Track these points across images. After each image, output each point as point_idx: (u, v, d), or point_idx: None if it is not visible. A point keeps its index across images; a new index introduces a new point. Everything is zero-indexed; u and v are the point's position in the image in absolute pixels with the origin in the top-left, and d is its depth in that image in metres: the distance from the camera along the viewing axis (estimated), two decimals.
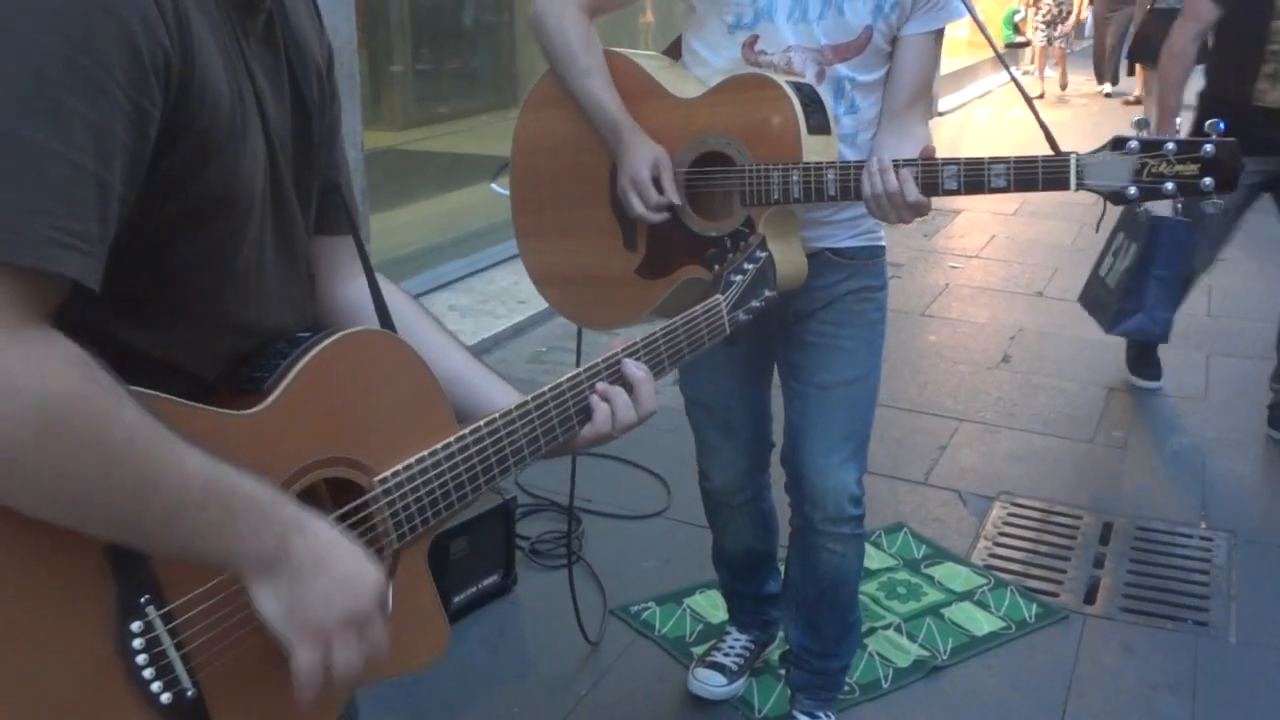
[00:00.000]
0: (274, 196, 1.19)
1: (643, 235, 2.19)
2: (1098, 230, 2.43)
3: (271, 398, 1.12)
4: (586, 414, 1.36)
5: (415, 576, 1.25)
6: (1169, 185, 1.80)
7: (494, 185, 2.53)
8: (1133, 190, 1.83)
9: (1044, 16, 12.99)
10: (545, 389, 1.33)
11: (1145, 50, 9.83)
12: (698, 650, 2.83)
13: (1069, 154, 1.88)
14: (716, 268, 1.54)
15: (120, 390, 0.94)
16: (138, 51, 0.93)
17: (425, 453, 1.22)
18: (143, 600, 1.01)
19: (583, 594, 3.03)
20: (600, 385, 1.37)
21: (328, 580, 1.05)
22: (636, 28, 7.33)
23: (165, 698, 1.03)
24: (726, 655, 2.73)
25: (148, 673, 1.02)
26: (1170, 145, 1.79)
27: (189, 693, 1.05)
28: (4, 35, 0.89)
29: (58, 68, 0.89)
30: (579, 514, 3.45)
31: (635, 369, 1.40)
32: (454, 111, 6.69)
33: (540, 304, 2.38)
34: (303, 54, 1.24)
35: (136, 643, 1.01)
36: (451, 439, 1.24)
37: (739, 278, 1.55)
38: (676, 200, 2.09)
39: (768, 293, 1.59)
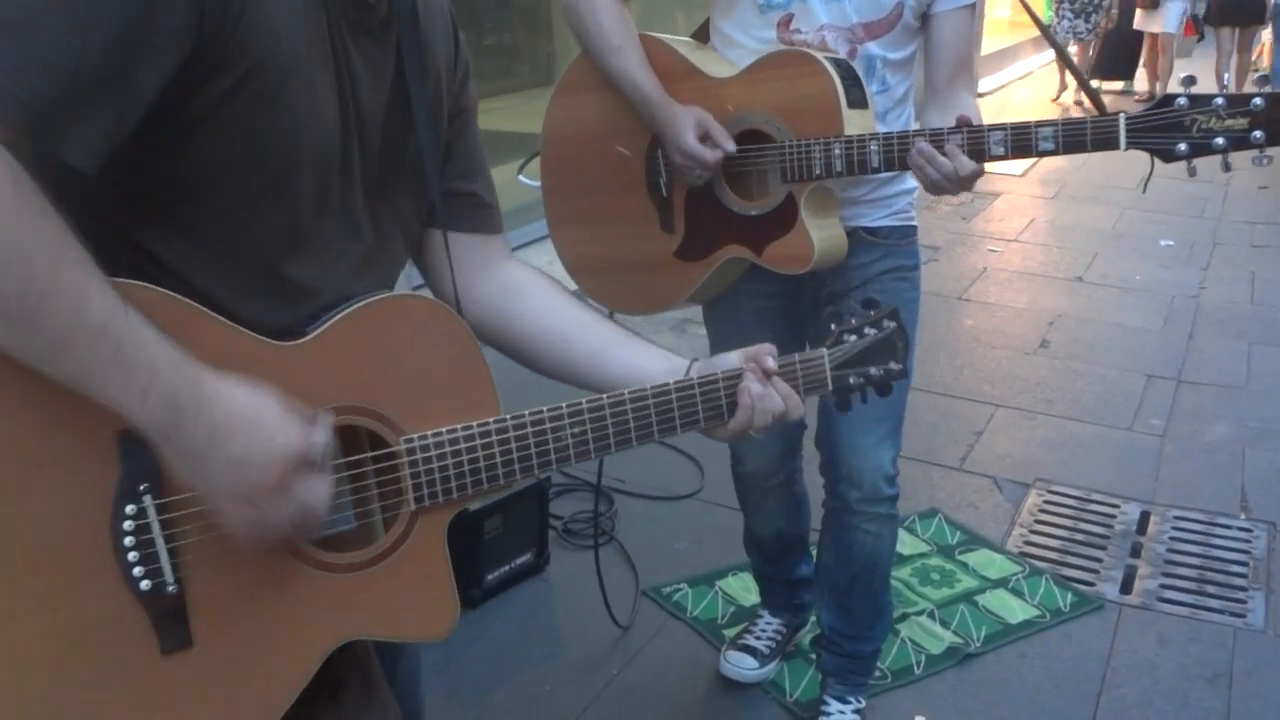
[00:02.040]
0: (342, 171, 1.23)
1: (680, 217, 2.18)
2: (1144, 190, 2.39)
3: (306, 338, 1.17)
4: (715, 414, 1.37)
5: (429, 545, 1.26)
6: (1219, 140, 1.78)
7: (521, 177, 2.52)
8: (1182, 147, 1.81)
9: (1073, 5, 11.16)
10: (605, 398, 1.32)
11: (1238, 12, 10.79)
12: (729, 633, 2.83)
13: (1118, 113, 1.85)
14: (834, 326, 1.50)
15: (50, 210, 0.97)
16: None
17: (459, 426, 1.23)
18: (142, 488, 1.06)
19: (615, 574, 3.04)
20: (755, 388, 1.37)
21: (226, 452, 1.04)
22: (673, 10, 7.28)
23: (145, 584, 1.07)
24: (758, 638, 2.73)
25: (132, 555, 1.07)
26: (1219, 100, 1.78)
27: (169, 587, 1.08)
28: None
29: None
30: (612, 494, 3.46)
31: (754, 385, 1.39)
32: (492, 89, 6.68)
33: (572, 284, 2.37)
34: (422, 61, 1.31)
35: (127, 524, 1.06)
36: (489, 420, 1.25)
37: (853, 338, 1.50)
38: (731, 147, 2.07)
39: (892, 365, 1.52)
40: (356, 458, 1.22)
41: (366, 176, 1.28)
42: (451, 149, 1.42)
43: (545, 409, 1.28)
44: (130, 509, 1.06)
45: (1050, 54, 13.21)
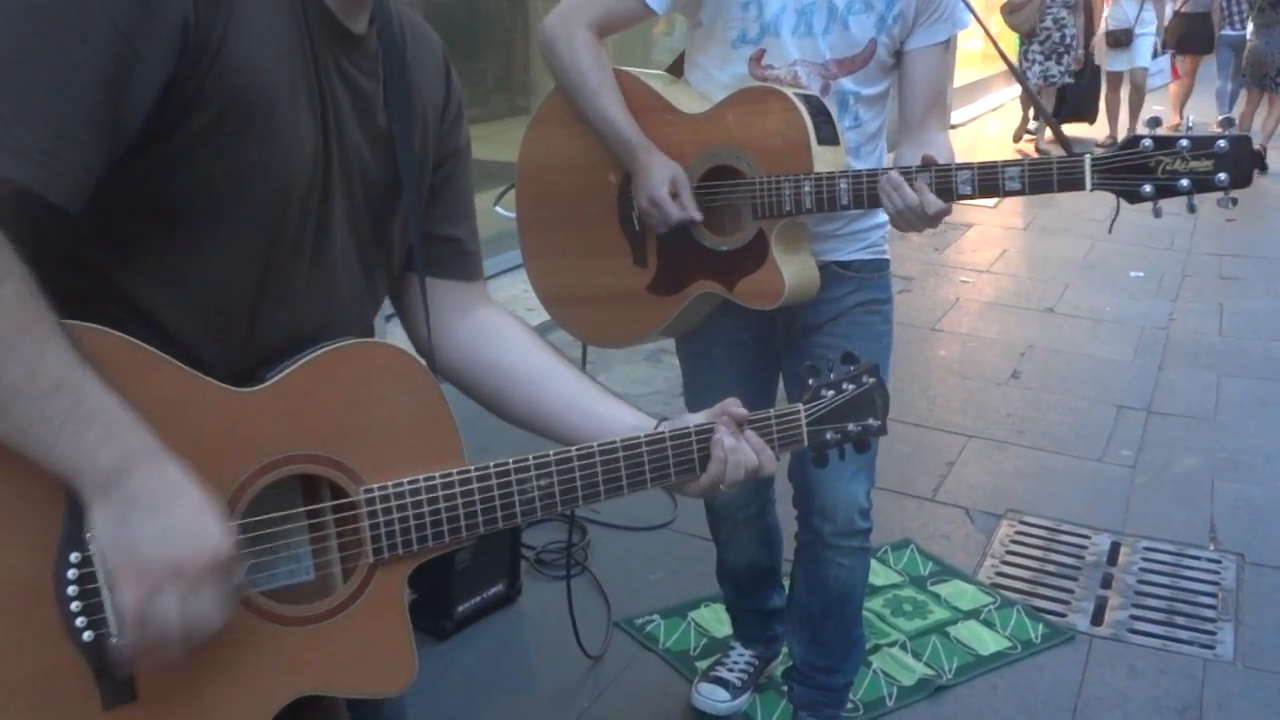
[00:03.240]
0: (320, 209, 1.21)
1: (653, 252, 2.19)
2: (1110, 231, 2.42)
3: (266, 383, 1.14)
4: (615, 484, 1.33)
5: (387, 599, 1.23)
6: (1184, 182, 1.80)
7: (498, 208, 2.52)
8: (1147, 188, 1.84)
9: (1043, 47, 10.11)
10: (574, 450, 1.30)
11: (1193, 41, 10.74)
12: (702, 665, 2.82)
13: (1083, 154, 1.88)
14: (811, 381, 1.46)
15: (11, 266, 0.95)
16: (147, 4, 1.00)
17: (421, 477, 1.21)
18: (88, 535, 1.02)
19: (588, 605, 3.03)
20: (727, 440, 1.35)
21: (163, 521, 1.01)
22: (650, 40, 7.33)
23: (86, 635, 1.04)
24: (730, 670, 2.72)
25: (75, 605, 1.03)
26: (1184, 142, 1.80)
27: (113, 639, 1.04)
28: None
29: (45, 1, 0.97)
30: (585, 524, 3.45)
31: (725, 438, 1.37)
32: (467, 118, 6.70)
33: (546, 314, 2.38)
34: (407, 97, 1.30)
35: (70, 573, 1.03)
36: (453, 471, 1.23)
37: (830, 393, 1.46)
38: (696, 216, 2.09)
39: (871, 421, 1.48)
40: (315, 506, 1.19)
41: (350, 215, 1.26)
42: (439, 192, 1.41)
43: (511, 460, 1.25)
44: (75, 556, 1.02)
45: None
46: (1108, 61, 10.41)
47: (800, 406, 1.45)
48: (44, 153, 0.96)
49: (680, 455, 1.35)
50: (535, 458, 1.27)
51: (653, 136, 2.12)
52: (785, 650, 2.74)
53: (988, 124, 12.26)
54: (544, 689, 2.79)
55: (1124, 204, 1.89)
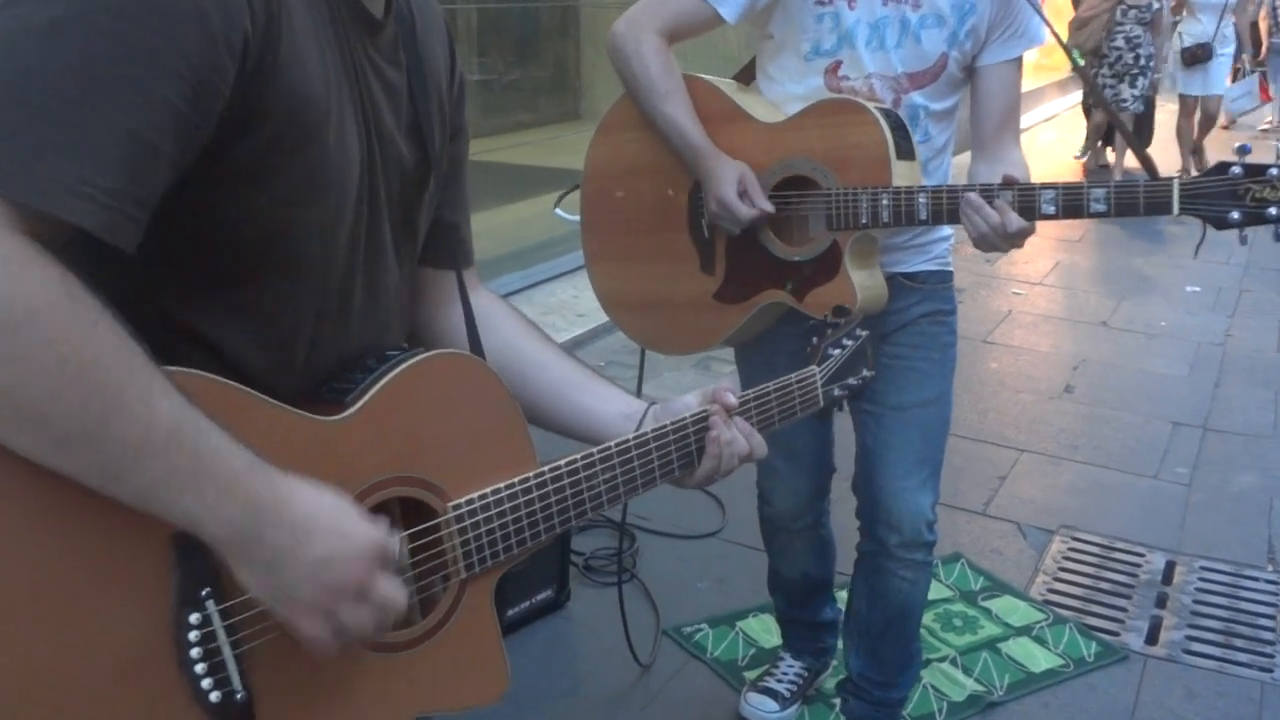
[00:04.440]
0: (370, 213, 1.20)
1: (721, 259, 2.19)
2: (1196, 255, 2.39)
3: (352, 409, 1.12)
4: (686, 461, 1.34)
5: (479, 612, 1.24)
6: (1273, 210, 1.78)
7: (558, 210, 2.53)
8: (1235, 215, 1.81)
9: (1112, 69, 8.81)
10: (630, 438, 1.30)
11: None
12: (750, 675, 2.81)
13: (1171, 178, 1.85)
14: (815, 339, 1.50)
15: (101, 312, 0.91)
16: (210, 27, 0.95)
17: (503, 485, 1.20)
18: (203, 593, 1.00)
19: (636, 613, 3.03)
20: (724, 434, 1.35)
21: (309, 557, 1.00)
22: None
23: (214, 696, 1.02)
24: (780, 681, 2.71)
25: (200, 667, 1.01)
26: (1274, 170, 1.77)
27: (239, 695, 1.03)
28: None
29: (121, 32, 0.91)
30: (634, 531, 3.45)
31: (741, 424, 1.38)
32: (518, 124, 6.74)
33: (600, 318, 2.39)
34: (425, 79, 1.26)
35: (192, 635, 1.00)
36: (530, 475, 1.23)
37: (836, 352, 1.50)
38: (768, 207, 2.08)
39: (865, 373, 1.54)
40: (412, 530, 1.18)
41: (393, 212, 1.25)
42: (445, 175, 1.37)
43: (578, 456, 1.26)
44: (194, 617, 1.00)
45: (1076, 96, 13.21)
46: (1181, 82, 9.29)
47: (814, 369, 1.47)
48: (109, 194, 0.91)
49: (684, 447, 1.35)
50: (599, 451, 1.27)
51: (727, 143, 2.11)
52: (836, 662, 2.72)
53: (1041, 134, 12.15)
54: (592, 695, 2.79)
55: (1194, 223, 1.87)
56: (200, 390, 1.00)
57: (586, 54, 6.84)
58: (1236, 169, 1.80)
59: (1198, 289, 6.53)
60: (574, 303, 5.31)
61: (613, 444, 1.29)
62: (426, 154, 1.27)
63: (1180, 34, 9.22)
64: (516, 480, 1.22)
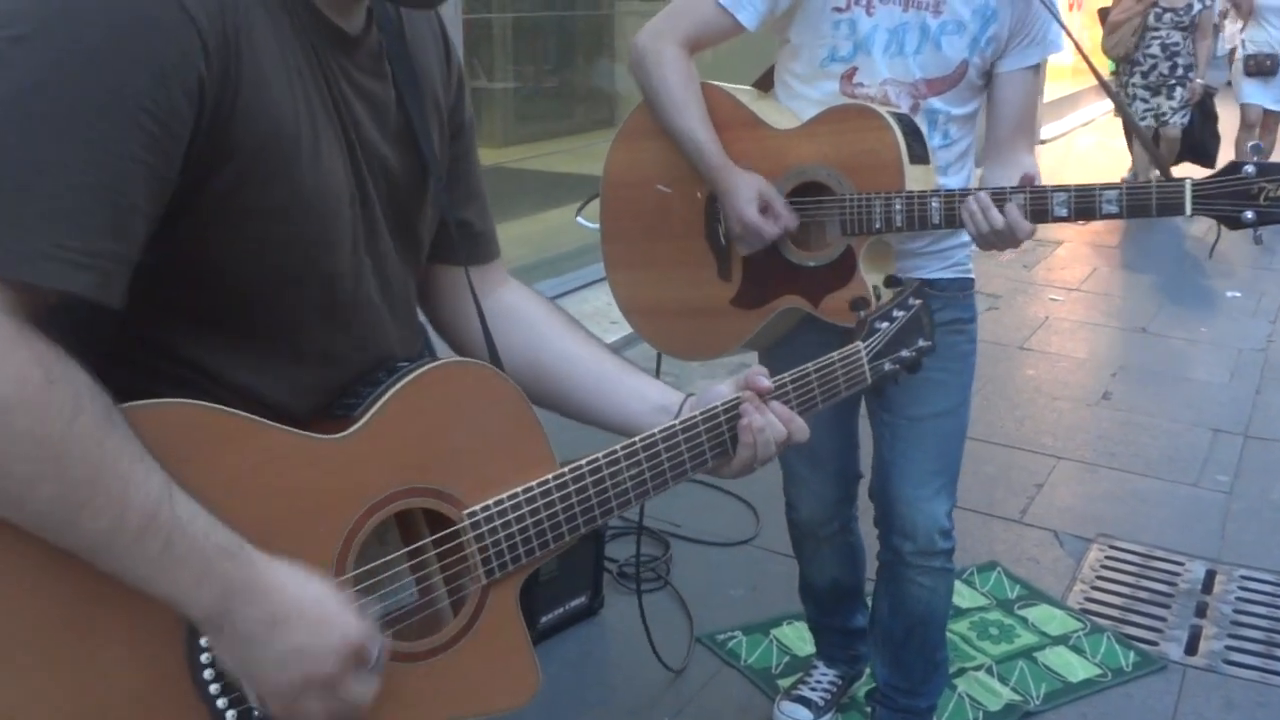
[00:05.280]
0: (366, 227, 1.19)
1: (738, 266, 2.19)
2: (1211, 256, 2.38)
3: (357, 425, 1.12)
4: (720, 451, 1.31)
5: (505, 615, 1.23)
6: None
7: (580, 219, 2.54)
8: (1249, 215, 1.81)
9: (1146, 79, 8.07)
10: (657, 431, 1.28)
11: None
12: (784, 683, 2.80)
13: (1183, 179, 1.84)
14: (861, 313, 1.45)
15: (79, 395, 0.91)
16: (164, 76, 0.94)
17: (519, 489, 1.20)
18: (208, 657, 1.02)
19: (669, 619, 3.03)
20: (756, 420, 1.32)
21: (280, 647, 1.00)
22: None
23: (230, 715, 1.04)
24: (813, 689, 2.70)
25: (214, 687, 1.03)
26: None
27: (256, 712, 1.05)
28: (24, 53, 0.90)
29: (74, 90, 0.90)
30: (667, 538, 3.45)
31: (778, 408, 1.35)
32: (553, 131, 6.77)
33: (627, 326, 2.39)
34: (418, 89, 1.25)
35: (204, 657, 1.02)
36: (549, 477, 1.22)
37: (885, 324, 1.44)
38: (793, 221, 2.09)
39: (922, 343, 1.47)
40: (421, 543, 1.18)
41: (390, 221, 1.23)
42: (454, 172, 1.35)
43: (600, 455, 1.25)
44: (204, 641, 1.02)
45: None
46: (1243, 91, 8.30)
47: (860, 345, 1.42)
48: (88, 254, 0.91)
49: (717, 437, 1.33)
50: (623, 448, 1.26)
51: (742, 151, 2.12)
52: (869, 671, 2.71)
53: (1079, 139, 12.06)
54: (625, 702, 2.79)
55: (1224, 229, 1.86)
56: (199, 420, 1.01)
57: (622, 62, 6.86)
58: (1249, 168, 1.79)
59: (1239, 294, 6.45)
60: (608, 309, 5.28)
61: (638, 439, 1.27)
62: (422, 159, 1.26)
63: (1244, 41, 8.35)
64: (535, 483, 1.21)
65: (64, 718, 0.96)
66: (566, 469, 1.23)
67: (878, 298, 1.46)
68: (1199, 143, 8.17)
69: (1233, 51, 9.69)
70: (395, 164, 1.23)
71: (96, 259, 0.92)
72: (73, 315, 0.95)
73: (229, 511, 1.00)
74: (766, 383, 1.34)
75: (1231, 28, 11.78)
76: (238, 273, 1.07)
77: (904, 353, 1.46)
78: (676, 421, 1.30)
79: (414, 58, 1.27)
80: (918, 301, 1.47)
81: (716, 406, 1.32)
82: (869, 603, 2.63)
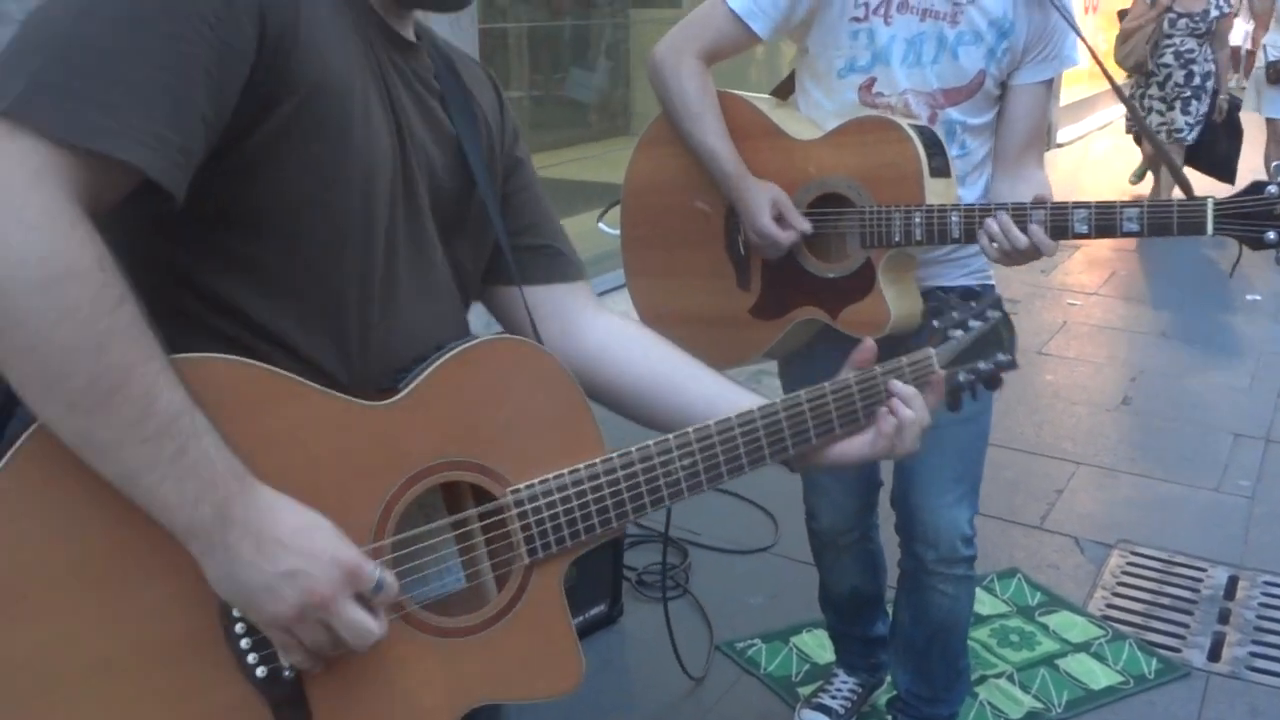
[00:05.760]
0: (407, 207, 1.21)
1: (757, 275, 2.19)
2: (1232, 274, 2.37)
3: (402, 394, 1.13)
4: (757, 454, 1.29)
5: (547, 598, 1.22)
6: None
7: (601, 225, 2.55)
8: (1271, 235, 1.80)
9: (1162, 90, 7.60)
10: (712, 424, 1.27)
11: None
12: (804, 691, 2.80)
13: (1205, 198, 1.83)
14: (936, 323, 1.42)
15: (126, 292, 0.95)
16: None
17: (565, 471, 1.20)
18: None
19: (689, 627, 3.03)
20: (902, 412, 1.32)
21: (269, 570, 1.00)
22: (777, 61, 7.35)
23: (260, 671, 1.05)
24: (833, 697, 2.69)
25: (244, 642, 1.04)
26: None
27: (285, 671, 1.06)
28: None
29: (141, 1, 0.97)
30: (686, 546, 3.45)
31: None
32: (568, 139, 6.78)
33: None
34: (472, 116, 1.30)
35: (236, 611, 1.04)
36: (597, 461, 1.21)
37: (959, 333, 1.41)
38: (806, 227, 2.09)
39: (1000, 357, 1.43)
40: (462, 515, 1.19)
41: (435, 216, 1.25)
42: (516, 203, 1.39)
43: (651, 443, 1.23)
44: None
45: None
46: (1266, 103, 7.74)
47: (930, 350, 1.39)
48: (156, 139, 0.96)
49: (825, 415, 1.32)
50: (675, 437, 1.24)
51: (762, 161, 2.12)
52: (889, 679, 2.70)
53: (1095, 143, 12.01)
54: (644, 710, 2.79)
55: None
56: (241, 377, 1.03)
57: (634, 70, 6.87)
58: (1272, 188, 1.78)
59: (1258, 297, 6.41)
60: (624, 316, 5.32)
61: (691, 430, 1.25)
62: (469, 173, 1.29)
63: (1265, 46, 7.74)
64: (582, 466, 1.20)
65: (92, 658, 0.99)
66: (616, 454, 1.22)
67: (955, 310, 1.43)
68: (1223, 159, 7.74)
69: (1250, 56, 9.26)
70: (441, 167, 1.26)
71: (164, 144, 0.96)
72: (131, 254, 0.98)
73: (268, 469, 1.02)
74: (868, 353, 1.36)
75: (1244, 27, 11.62)
76: (281, 218, 1.10)
77: (980, 365, 1.43)
78: (734, 416, 1.28)
79: (470, 93, 1.32)
80: (997, 314, 1.43)
81: (799, 394, 1.31)
82: (889, 611, 2.63)
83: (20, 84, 0.92)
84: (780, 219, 2.09)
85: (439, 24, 1.40)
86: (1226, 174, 7.72)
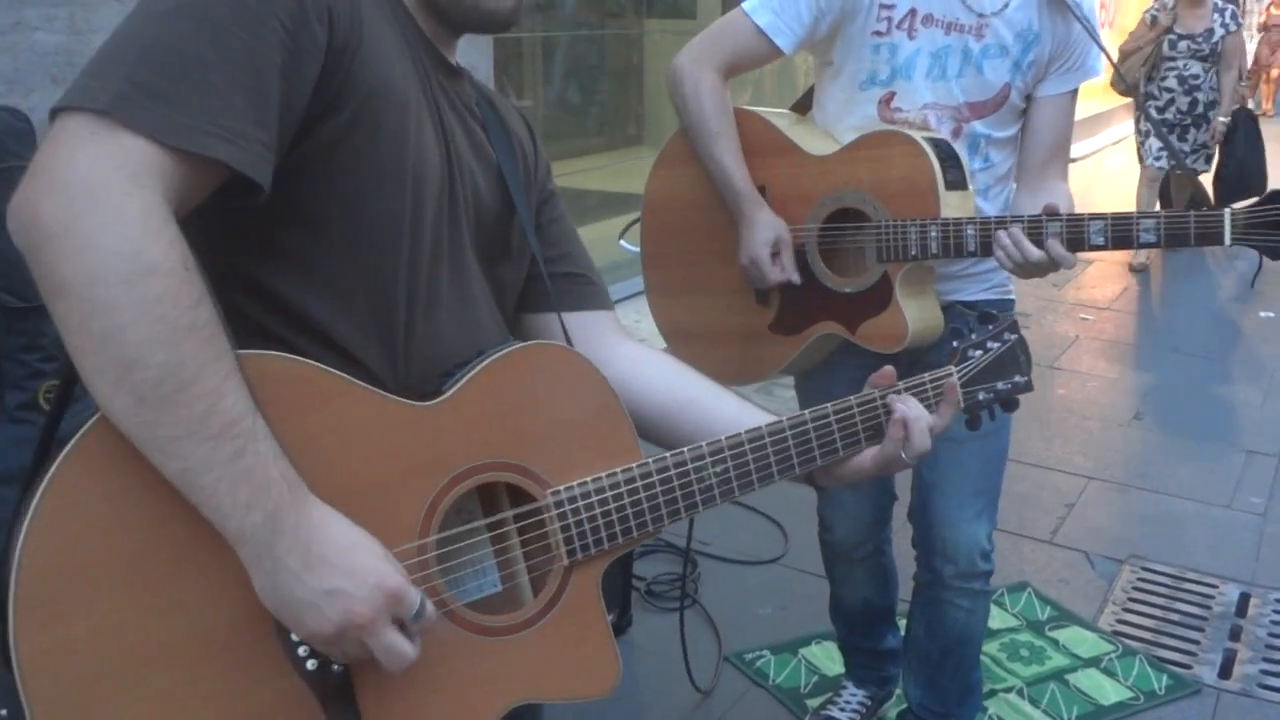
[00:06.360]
0: (450, 219, 1.25)
1: (776, 291, 2.20)
2: (1253, 286, 2.37)
3: (445, 395, 1.16)
4: (786, 463, 1.33)
5: (585, 600, 1.24)
6: None
7: (622, 242, 2.56)
8: None
9: (1161, 115, 6.99)
10: (743, 433, 1.30)
11: None
12: (813, 703, 2.79)
13: (1223, 208, 1.83)
14: (955, 343, 1.47)
15: (205, 294, 0.98)
16: (301, 2, 1.06)
17: (604, 474, 1.23)
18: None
19: (698, 638, 3.02)
20: (901, 409, 1.36)
21: (313, 587, 1.01)
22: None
23: (310, 664, 1.06)
24: (842, 710, 2.69)
25: (294, 635, 1.05)
26: None
27: (334, 665, 1.07)
28: None
29: (224, 6, 1.02)
30: (696, 557, 3.44)
31: (904, 408, 1.38)
32: (583, 149, 6.80)
33: (659, 343, 2.40)
34: (509, 144, 1.36)
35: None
36: (634, 466, 1.24)
37: (978, 353, 1.47)
38: (795, 279, 2.12)
39: (1018, 378, 1.48)
40: (502, 515, 1.21)
41: (474, 232, 1.29)
42: (550, 233, 1.45)
43: (686, 450, 1.27)
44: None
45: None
46: None
47: (952, 369, 1.45)
48: (241, 136, 1.00)
49: (846, 429, 1.35)
50: (709, 445, 1.28)
51: (778, 178, 2.13)
52: (899, 692, 2.70)
53: (1109, 157, 11.99)
54: None
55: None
56: (294, 375, 1.05)
57: (651, 80, 6.89)
58: None
59: (1271, 314, 6.39)
60: (635, 328, 5.29)
61: (723, 438, 1.29)
62: (508, 195, 1.34)
63: None
64: (619, 470, 1.23)
65: (146, 649, 1.00)
66: (652, 461, 1.25)
67: (973, 332, 1.48)
68: (1255, 176, 6.93)
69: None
70: (483, 186, 1.31)
71: (247, 139, 1.01)
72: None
73: (317, 464, 1.04)
74: (890, 374, 1.40)
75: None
76: (332, 218, 1.14)
77: (999, 385, 1.48)
78: (764, 426, 1.32)
79: (506, 124, 1.38)
80: (1014, 336, 1.49)
81: (826, 408, 1.35)
82: (900, 624, 2.62)
83: (116, 84, 0.96)
84: (777, 255, 2.10)
85: None
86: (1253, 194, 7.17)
